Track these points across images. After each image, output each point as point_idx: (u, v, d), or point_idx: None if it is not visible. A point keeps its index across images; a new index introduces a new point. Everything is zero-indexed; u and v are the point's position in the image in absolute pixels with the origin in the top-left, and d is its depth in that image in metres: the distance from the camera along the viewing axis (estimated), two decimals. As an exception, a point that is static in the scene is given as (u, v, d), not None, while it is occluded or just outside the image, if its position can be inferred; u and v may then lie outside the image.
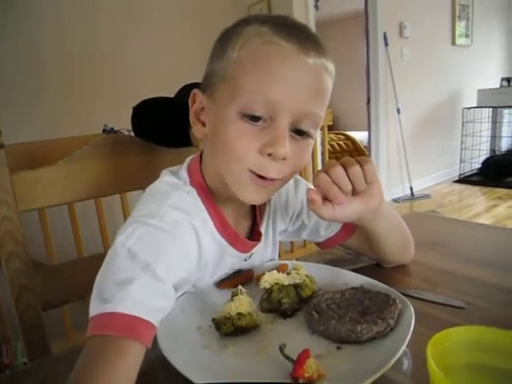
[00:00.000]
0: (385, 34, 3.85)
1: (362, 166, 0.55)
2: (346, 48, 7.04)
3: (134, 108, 0.65)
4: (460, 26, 4.68)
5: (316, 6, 3.33)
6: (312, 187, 0.76)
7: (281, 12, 3.06)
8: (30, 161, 1.39)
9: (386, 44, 3.86)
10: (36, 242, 1.42)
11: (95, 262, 0.53)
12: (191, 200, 0.60)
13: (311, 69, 0.54)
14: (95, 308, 0.47)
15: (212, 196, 0.62)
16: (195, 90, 0.62)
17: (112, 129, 1.92)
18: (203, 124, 0.61)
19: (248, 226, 0.70)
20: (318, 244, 0.78)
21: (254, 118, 0.54)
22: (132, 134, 1.06)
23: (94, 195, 0.91)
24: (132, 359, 0.45)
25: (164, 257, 0.51)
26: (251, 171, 0.56)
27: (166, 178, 0.64)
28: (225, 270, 0.68)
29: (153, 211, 0.55)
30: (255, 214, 0.70)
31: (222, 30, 0.60)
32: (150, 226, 0.53)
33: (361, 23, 4.29)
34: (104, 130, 1.96)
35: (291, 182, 0.74)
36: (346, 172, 0.54)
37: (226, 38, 0.57)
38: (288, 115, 0.54)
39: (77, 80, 2.61)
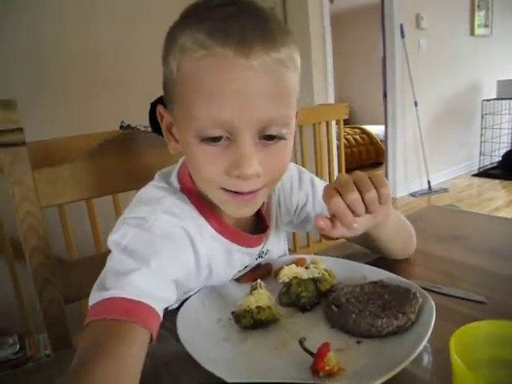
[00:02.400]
0: (401, 26, 3.79)
1: (377, 188, 0.52)
2: (363, 41, 6.99)
3: (152, 104, 0.65)
4: (479, 16, 4.57)
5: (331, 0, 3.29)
6: (314, 177, 0.76)
7: (295, 6, 3.04)
8: (49, 158, 1.42)
9: (403, 36, 3.80)
10: (56, 238, 1.45)
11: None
12: (183, 205, 0.60)
13: (259, 71, 0.47)
14: (95, 297, 0.48)
15: (205, 199, 0.61)
16: (159, 108, 0.59)
17: (129, 125, 1.94)
18: (177, 140, 0.59)
19: (253, 220, 0.69)
20: (322, 235, 0.78)
21: (214, 139, 0.50)
22: (149, 129, 1.06)
23: (112, 191, 0.92)
24: (137, 344, 0.45)
25: (159, 254, 0.52)
26: (224, 189, 0.54)
27: (156, 184, 0.63)
28: (237, 267, 0.67)
29: (145, 215, 0.55)
30: (259, 208, 0.68)
31: (170, 27, 0.54)
32: (142, 229, 0.53)
33: (377, 15, 4.23)
34: (121, 127, 1.98)
35: (295, 174, 0.74)
36: (362, 196, 0.52)
37: (168, 41, 0.53)
38: (248, 129, 0.49)
39: (77, 78, 2.63)
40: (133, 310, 0.47)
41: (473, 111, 4.75)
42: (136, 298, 0.47)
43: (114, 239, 0.53)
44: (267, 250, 0.71)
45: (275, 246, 0.74)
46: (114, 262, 0.51)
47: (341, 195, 0.52)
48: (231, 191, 0.54)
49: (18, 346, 1.82)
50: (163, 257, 0.52)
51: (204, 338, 0.52)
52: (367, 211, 0.53)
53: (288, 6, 3.12)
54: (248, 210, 0.58)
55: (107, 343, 0.44)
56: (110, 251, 0.53)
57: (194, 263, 0.60)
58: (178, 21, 0.53)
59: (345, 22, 6.79)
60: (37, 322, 1.74)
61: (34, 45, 2.46)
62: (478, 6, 4.53)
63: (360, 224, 0.55)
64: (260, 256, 0.70)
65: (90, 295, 0.49)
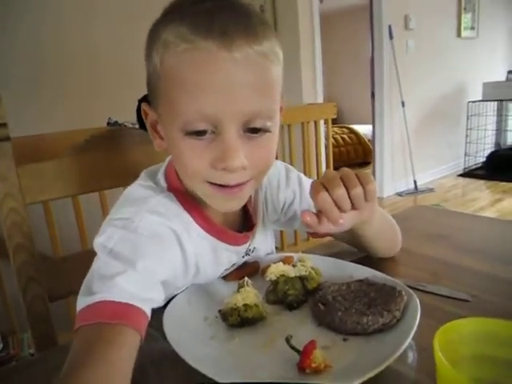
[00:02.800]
0: (390, 27, 3.82)
1: (363, 185, 0.53)
2: (351, 41, 7.03)
3: (139, 100, 0.65)
4: (466, 18, 4.63)
5: (320, -1, 3.30)
6: (302, 175, 0.76)
7: (285, 5, 3.04)
8: (35, 153, 1.40)
9: (391, 37, 3.84)
10: (41, 234, 1.43)
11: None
12: (170, 204, 0.59)
13: (242, 63, 0.48)
14: (82, 302, 0.47)
15: (192, 197, 0.61)
16: (144, 105, 0.59)
17: (116, 122, 1.92)
18: (162, 137, 0.58)
19: (240, 218, 0.69)
20: (309, 233, 0.78)
21: (199, 133, 0.50)
22: (136, 126, 1.06)
23: (98, 188, 0.92)
24: (127, 346, 0.45)
25: (144, 256, 0.51)
26: (210, 183, 0.54)
27: (142, 183, 0.62)
28: (224, 265, 0.67)
29: (130, 215, 0.55)
30: (246, 206, 0.69)
31: (152, 23, 0.54)
32: (128, 230, 0.53)
33: (366, 16, 4.25)
34: (108, 123, 1.96)
35: (282, 171, 0.74)
36: (348, 192, 0.52)
37: (151, 37, 0.53)
38: (233, 122, 0.49)
39: (77, 78, 2.60)
40: (122, 312, 0.46)
41: (459, 112, 4.82)
42: (124, 301, 0.47)
43: (99, 242, 0.53)
44: (254, 248, 0.71)
45: (262, 243, 0.74)
46: (100, 264, 0.51)
47: (327, 190, 0.52)
48: (217, 184, 0.54)
49: (1, 345, 1.79)
50: (150, 258, 0.52)
51: (191, 336, 0.52)
52: (353, 207, 0.54)
53: (278, 5, 3.12)
54: (234, 204, 0.58)
55: (97, 347, 0.43)
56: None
57: (181, 262, 0.60)
58: (161, 17, 0.53)
59: (334, 21, 6.82)
60: (21, 320, 1.72)
61: (34, 45, 2.43)
62: (465, 9, 4.60)
63: (346, 220, 0.55)
64: (247, 254, 0.70)
65: (78, 300, 0.48)
